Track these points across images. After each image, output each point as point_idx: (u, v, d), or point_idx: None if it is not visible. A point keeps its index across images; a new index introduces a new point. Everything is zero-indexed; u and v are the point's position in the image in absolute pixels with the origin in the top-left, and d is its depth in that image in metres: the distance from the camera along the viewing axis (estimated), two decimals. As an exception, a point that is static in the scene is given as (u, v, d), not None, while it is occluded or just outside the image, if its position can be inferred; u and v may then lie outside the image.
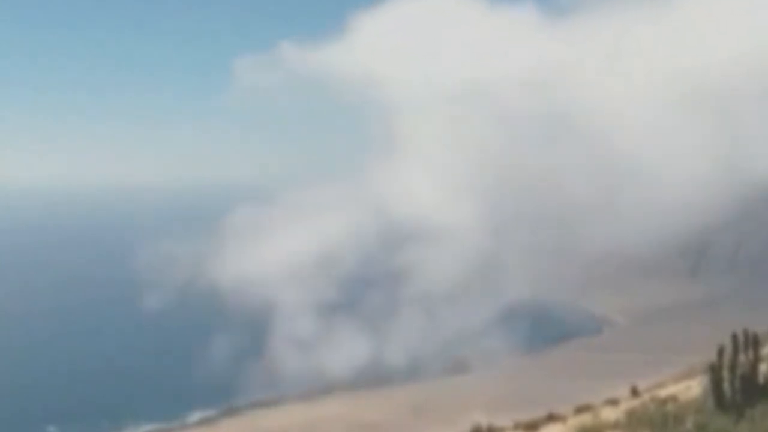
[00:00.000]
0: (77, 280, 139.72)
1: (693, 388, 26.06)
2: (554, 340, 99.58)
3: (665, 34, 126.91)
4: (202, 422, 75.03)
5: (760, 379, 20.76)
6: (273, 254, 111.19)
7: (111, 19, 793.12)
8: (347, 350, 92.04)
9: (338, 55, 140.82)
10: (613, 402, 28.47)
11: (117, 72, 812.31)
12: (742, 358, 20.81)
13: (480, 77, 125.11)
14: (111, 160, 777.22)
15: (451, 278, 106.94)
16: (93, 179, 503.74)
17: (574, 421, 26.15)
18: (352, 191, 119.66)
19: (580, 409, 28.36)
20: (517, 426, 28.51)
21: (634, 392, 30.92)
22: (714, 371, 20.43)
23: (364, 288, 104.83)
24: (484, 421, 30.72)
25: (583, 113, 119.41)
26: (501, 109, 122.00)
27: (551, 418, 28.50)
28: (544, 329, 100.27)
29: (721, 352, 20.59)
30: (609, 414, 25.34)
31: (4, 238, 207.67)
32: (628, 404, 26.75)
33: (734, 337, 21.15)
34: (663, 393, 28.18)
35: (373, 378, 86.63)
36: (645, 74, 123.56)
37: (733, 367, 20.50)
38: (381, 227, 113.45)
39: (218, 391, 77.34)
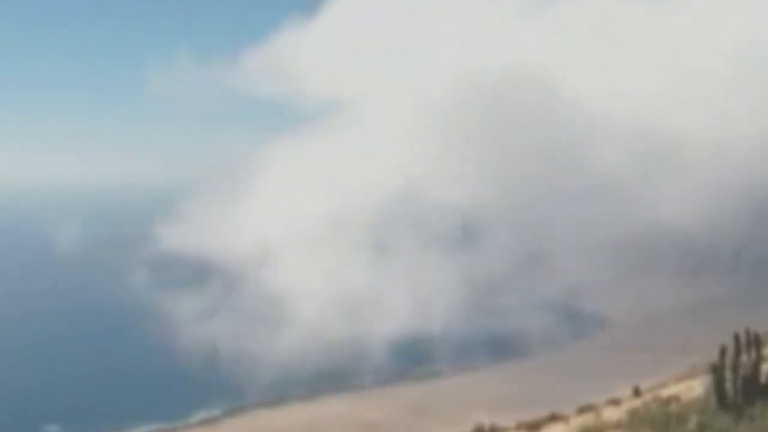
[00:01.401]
0: (77, 280, 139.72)
1: (695, 388, 26.08)
2: (556, 339, 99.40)
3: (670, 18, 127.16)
4: (204, 422, 75.00)
5: (763, 379, 20.79)
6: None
7: (112, 19, 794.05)
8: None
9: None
10: (616, 402, 28.55)
11: (114, 71, 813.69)
12: (744, 358, 20.84)
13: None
14: (111, 160, 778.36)
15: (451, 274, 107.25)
16: (93, 179, 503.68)
17: (577, 421, 26.23)
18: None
19: (583, 409, 28.43)
20: (519, 426, 28.59)
21: (636, 392, 30.98)
22: (716, 371, 20.45)
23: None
24: (486, 421, 30.80)
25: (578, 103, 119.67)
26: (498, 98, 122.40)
27: (553, 418, 28.56)
28: (545, 328, 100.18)
29: (723, 352, 20.61)
30: (611, 414, 25.41)
31: (4, 238, 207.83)
32: (630, 404, 26.81)
33: (736, 337, 21.17)
34: (665, 393, 28.22)
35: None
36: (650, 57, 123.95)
37: (735, 368, 20.52)
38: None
39: (221, 390, 77.38)
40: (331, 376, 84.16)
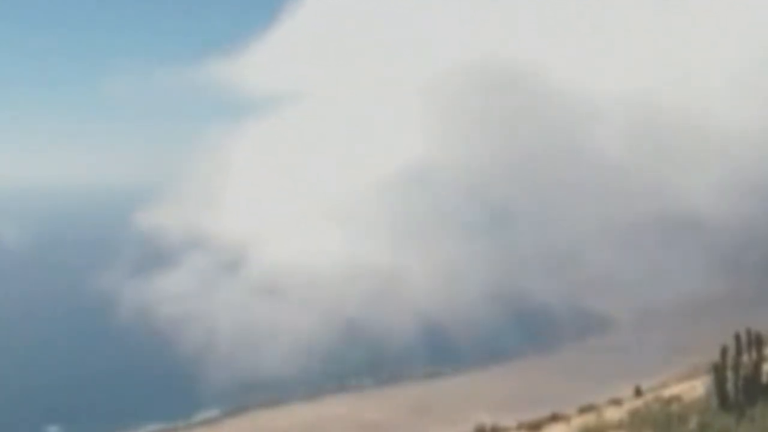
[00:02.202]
0: (78, 280, 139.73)
1: (697, 388, 26.09)
2: (557, 339, 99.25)
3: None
4: (205, 422, 75.00)
5: (764, 379, 20.80)
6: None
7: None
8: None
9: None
10: (617, 402, 28.60)
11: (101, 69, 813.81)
12: (745, 358, 20.86)
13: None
14: (111, 160, 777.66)
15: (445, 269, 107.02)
16: (94, 179, 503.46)
17: (578, 421, 26.23)
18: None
19: (584, 409, 28.46)
20: (520, 426, 28.62)
21: (638, 392, 31.03)
22: (717, 371, 20.47)
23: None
24: (487, 421, 30.81)
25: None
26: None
27: (555, 418, 28.60)
28: (546, 328, 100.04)
29: (724, 352, 20.63)
30: (613, 414, 25.43)
31: (5, 238, 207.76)
32: (631, 404, 26.85)
33: (737, 337, 21.19)
34: (666, 393, 28.24)
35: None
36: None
37: (736, 368, 20.54)
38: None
39: (221, 390, 77.27)
40: (331, 376, 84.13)
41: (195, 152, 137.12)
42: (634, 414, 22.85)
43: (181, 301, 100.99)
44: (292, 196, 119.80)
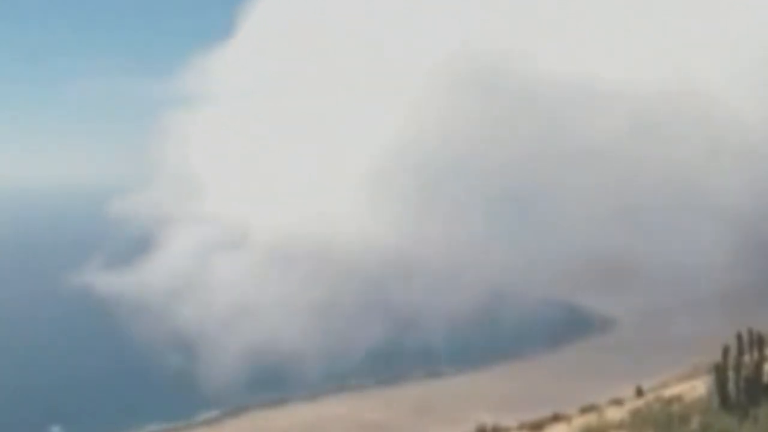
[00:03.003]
0: (78, 280, 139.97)
1: (698, 388, 26.07)
2: (558, 339, 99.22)
3: None
4: (205, 422, 74.96)
5: (765, 379, 20.77)
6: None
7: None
8: None
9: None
10: (618, 402, 28.57)
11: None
12: (747, 358, 20.83)
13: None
14: (110, 160, 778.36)
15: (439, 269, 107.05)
16: (93, 178, 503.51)
17: (579, 421, 26.21)
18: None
19: (585, 409, 28.45)
20: (522, 426, 28.60)
21: (639, 392, 31.01)
22: (719, 371, 20.44)
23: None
24: (488, 421, 30.79)
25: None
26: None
27: (556, 418, 28.58)
28: (547, 328, 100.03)
29: (725, 352, 20.61)
30: (614, 414, 25.42)
31: (5, 239, 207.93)
32: (632, 404, 26.84)
33: (739, 337, 21.17)
34: (668, 393, 28.22)
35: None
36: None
37: (737, 367, 20.51)
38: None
39: (221, 390, 77.29)
40: (331, 376, 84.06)
41: (187, 145, 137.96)
42: (635, 414, 22.83)
43: (180, 297, 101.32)
44: (282, 183, 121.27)
